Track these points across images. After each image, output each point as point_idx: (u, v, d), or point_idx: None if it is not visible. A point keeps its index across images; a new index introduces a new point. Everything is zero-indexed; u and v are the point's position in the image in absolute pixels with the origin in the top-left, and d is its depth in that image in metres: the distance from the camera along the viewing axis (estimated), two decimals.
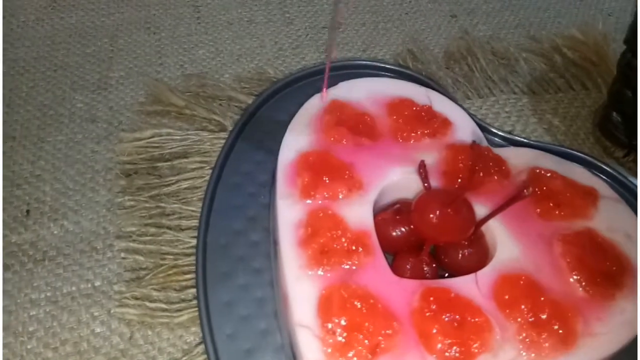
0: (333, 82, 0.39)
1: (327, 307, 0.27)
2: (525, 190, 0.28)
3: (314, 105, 0.37)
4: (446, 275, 0.32)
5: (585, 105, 0.46)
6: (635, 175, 0.40)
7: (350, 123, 0.36)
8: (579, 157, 0.38)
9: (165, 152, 0.39)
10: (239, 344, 0.29)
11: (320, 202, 0.31)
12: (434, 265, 0.31)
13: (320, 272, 0.28)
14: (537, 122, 0.44)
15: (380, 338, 0.26)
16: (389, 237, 0.32)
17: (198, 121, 0.43)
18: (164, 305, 0.31)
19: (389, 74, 0.44)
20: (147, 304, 0.31)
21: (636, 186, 0.38)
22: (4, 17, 0.51)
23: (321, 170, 0.32)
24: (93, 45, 0.50)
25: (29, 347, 0.31)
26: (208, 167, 0.38)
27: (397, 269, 0.31)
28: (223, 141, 0.39)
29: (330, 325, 0.26)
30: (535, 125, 0.44)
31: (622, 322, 0.28)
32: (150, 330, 0.32)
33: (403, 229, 0.32)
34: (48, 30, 0.51)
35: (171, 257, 0.34)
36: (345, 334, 0.26)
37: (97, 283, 0.34)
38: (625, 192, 0.38)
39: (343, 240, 0.29)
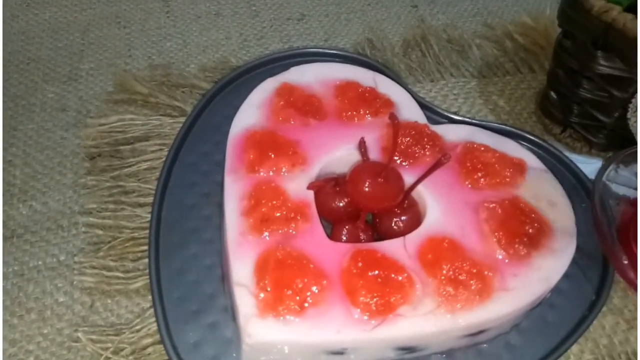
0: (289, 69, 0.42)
1: (263, 267, 0.29)
2: (443, 158, 0.31)
3: (265, 88, 0.39)
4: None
5: (531, 87, 0.48)
6: (571, 150, 0.42)
7: (299, 104, 0.38)
8: (516, 133, 0.41)
9: (128, 136, 0.41)
10: (187, 306, 0.32)
11: (264, 176, 0.34)
12: (369, 232, 0.33)
13: (260, 238, 0.31)
14: (483, 103, 0.47)
15: (308, 294, 0.28)
16: (330, 207, 0.34)
17: (162, 108, 0.45)
18: (120, 274, 0.34)
19: (342, 60, 0.46)
20: (105, 272, 0.34)
21: (569, 159, 0.40)
22: None
23: (267, 147, 0.35)
24: (65, 40, 0.52)
25: None
26: (167, 149, 0.40)
27: (335, 235, 0.33)
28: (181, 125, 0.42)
29: (264, 283, 0.28)
30: (481, 106, 0.47)
31: (537, 278, 0.31)
32: (109, 299, 0.35)
33: (342, 200, 0.34)
34: (22, 25, 0.53)
35: (128, 230, 0.36)
36: (276, 290, 0.28)
37: (62, 257, 0.36)
38: (560, 165, 0.40)
39: (283, 209, 0.32)
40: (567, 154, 0.41)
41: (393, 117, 0.31)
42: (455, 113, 0.44)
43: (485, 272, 0.30)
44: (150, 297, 0.34)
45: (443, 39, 0.54)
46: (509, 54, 0.52)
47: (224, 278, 0.33)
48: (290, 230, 0.31)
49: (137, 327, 0.32)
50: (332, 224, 0.34)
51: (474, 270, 0.30)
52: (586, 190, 0.39)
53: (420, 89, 0.48)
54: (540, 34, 0.52)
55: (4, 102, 0.46)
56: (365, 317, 0.28)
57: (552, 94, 0.43)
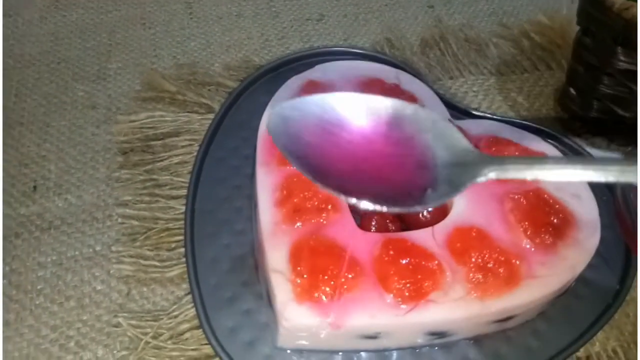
0: (313, 67, 0.43)
1: (297, 254, 0.30)
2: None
3: (292, 85, 0.41)
4: None
5: (549, 84, 0.49)
6: (590, 146, 0.43)
7: None
8: (537, 129, 0.42)
9: (158, 132, 0.43)
10: (222, 293, 0.33)
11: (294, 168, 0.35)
12: (397, 223, 0.34)
13: (293, 227, 0.32)
14: (502, 100, 0.48)
15: (343, 280, 0.29)
16: None
17: (189, 105, 0.47)
18: (156, 263, 0.35)
19: (363, 59, 0.47)
20: (141, 261, 0.35)
21: (589, 154, 0.41)
22: (10, 17, 0.55)
23: None
24: (92, 40, 0.54)
25: (37, 302, 0.35)
26: (197, 144, 0.42)
27: (364, 226, 0.34)
28: (211, 121, 0.43)
29: (299, 269, 0.29)
30: (501, 103, 0.48)
31: (563, 266, 0.31)
32: (145, 287, 0.36)
33: None
34: (51, 27, 0.55)
35: (163, 221, 0.37)
36: (312, 276, 0.29)
37: (98, 248, 0.38)
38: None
39: (314, 200, 0.33)
40: (588, 148, 0.42)
41: None
42: (476, 109, 0.45)
43: (513, 260, 0.31)
44: (184, 286, 0.36)
45: (460, 38, 0.55)
46: (526, 53, 0.53)
47: (257, 267, 0.34)
48: (322, 220, 0.32)
49: (175, 314, 0.33)
50: (361, 215, 0.35)
51: (502, 258, 0.31)
52: (607, 184, 0.40)
53: (440, 86, 0.49)
54: (557, 33, 0.53)
55: (36, 99, 0.48)
56: (398, 302, 0.29)
57: (572, 90, 0.44)
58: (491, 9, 0.60)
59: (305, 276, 0.29)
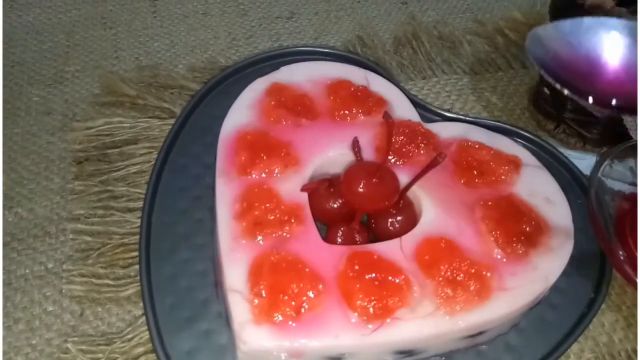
0: (279, 68, 0.41)
1: (257, 272, 0.28)
2: (438, 157, 0.30)
3: (256, 88, 0.39)
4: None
5: (524, 83, 0.48)
6: (565, 146, 0.42)
7: (290, 104, 0.37)
8: (510, 130, 0.41)
9: (116, 140, 0.40)
10: (180, 313, 0.31)
11: (256, 178, 0.33)
12: (365, 233, 0.33)
13: (254, 242, 0.30)
14: (475, 100, 0.47)
15: (304, 299, 0.27)
16: (324, 209, 0.34)
17: (150, 110, 0.44)
18: (110, 282, 0.33)
19: (332, 59, 0.46)
20: (94, 280, 0.33)
21: (564, 155, 0.40)
22: None
23: (259, 149, 0.34)
24: (50, 42, 0.51)
25: None
26: (156, 152, 0.40)
27: (330, 238, 0.32)
28: (171, 127, 0.41)
29: (258, 288, 0.28)
30: (474, 103, 0.46)
31: (536, 277, 0.30)
32: (100, 307, 0.34)
33: (336, 201, 0.34)
34: (6, 28, 0.52)
35: (118, 236, 0.35)
36: (271, 296, 0.27)
37: (50, 265, 0.36)
38: (554, 162, 0.40)
39: (276, 212, 0.31)
40: (562, 149, 0.41)
41: (387, 116, 0.31)
42: (448, 110, 0.43)
43: (484, 272, 0.30)
44: (141, 305, 0.34)
45: (434, 35, 0.53)
46: (501, 50, 0.51)
47: (217, 284, 0.32)
48: (284, 234, 0.31)
49: (129, 336, 0.31)
50: (327, 226, 0.34)
51: (472, 271, 0.29)
52: (581, 186, 0.39)
53: (412, 86, 0.47)
54: (531, 29, 0.52)
55: None
56: (363, 321, 0.27)
57: (545, 89, 0.42)
58: (465, 5, 0.58)
59: (264, 295, 0.27)
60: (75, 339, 0.32)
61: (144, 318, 0.32)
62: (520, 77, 0.49)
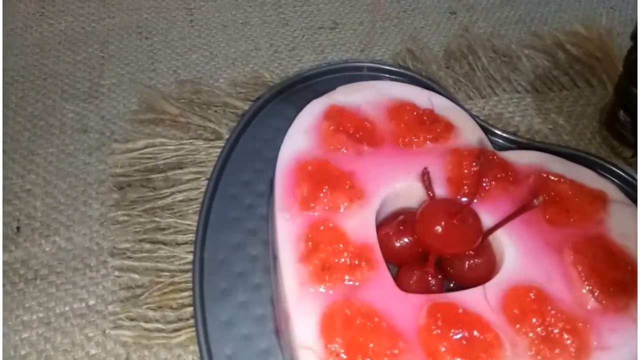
0: (332, 85, 0.38)
1: (329, 326, 0.25)
2: (535, 200, 0.27)
3: (312, 111, 0.36)
4: (451, 285, 0.31)
5: (591, 103, 0.45)
6: None
7: (350, 129, 0.35)
8: (586, 158, 0.37)
9: (159, 163, 0.38)
10: None
11: (320, 214, 0.30)
12: (439, 276, 0.30)
13: (322, 289, 0.27)
14: (541, 122, 0.43)
15: (386, 359, 0.24)
16: (393, 249, 0.31)
17: (193, 129, 0.42)
18: (160, 326, 0.30)
19: (388, 75, 0.43)
20: (143, 324, 0.30)
21: None
22: None
23: (321, 181, 0.31)
24: (83, 52, 0.48)
25: None
26: (204, 178, 0.37)
27: (401, 281, 0.29)
28: (219, 150, 0.38)
29: (333, 347, 0.25)
30: (540, 126, 0.43)
31: (637, 333, 0.27)
32: (147, 351, 0.31)
33: (407, 240, 0.31)
34: (37, 37, 0.49)
35: (167, 274, 0.32)
36: (349, 356, 0.24)
37: (91, 302, 0.33)
38: (635, 194, 0.36)
39: (345, 254, 0.28)
40: None
41: (483, 156, 0.28)
42: (514, 134, 0.40)
43: (580, 326, 0.26)
44: (191, 348, 0.31)
45: (489, 49, 0.50)
46: (562, 67, 0.48)
47: (279, 332, 0.29)
48: (355, 281, 0.28)
49: None
50: (396, 267, 0.31)
51: (568, 326, 0.26)
52: None
53: (472, 106, 0.44)
54: (595, 44, 0.49)
55: (20, 122, 0.42)
56: None
57: (623, 113, 0.39)
58: (517, 15, 0.55)
59: (341, 355, 0.24)
60: None
61: None
62: (587, 96, 0.45)
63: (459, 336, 0.25)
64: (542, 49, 0.50)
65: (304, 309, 0.26)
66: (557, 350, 0.25)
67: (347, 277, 0.27)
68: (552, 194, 0.32)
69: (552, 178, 0.33)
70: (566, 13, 0.55)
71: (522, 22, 0.54)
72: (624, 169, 0.37)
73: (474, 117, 0.38)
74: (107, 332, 0.31)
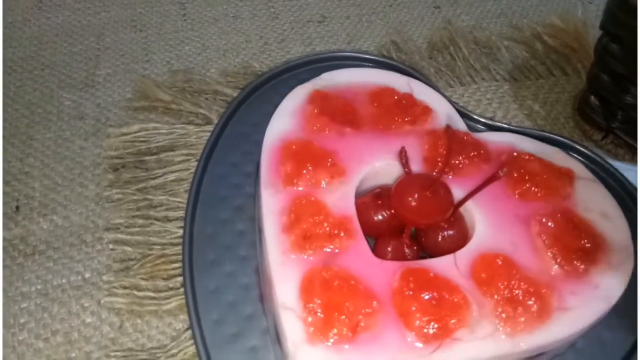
0: (317, 74, 0.40)
1: (309, 288, 0.27)
2: (500, 171, 0.29)
3: (297, 95, 0.38)
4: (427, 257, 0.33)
5: (566, 91, 0.47)
6: (614, 157, 0.40)
7: (333, 112, 0.36)
8: (557, 140, 0.39)
9: (152, 146, 0.40)
10: (226, 329, 0.30)
11: (303, 189, 0.32)
12: (415, 247, 0.32)
13: (303, 256, 0.29)
14: (517, 108, 0.45)
15: (360, 317, 0.26)
16: (371, 222, 0.32)
17: (185, 115, 0.43)
18: (152, 294, 0.32)
19: (371, 65, 0.45)
20: (135, 292, 0.32)
21: (613, 167, 0.38)
22: None
23: (304, 159, 0.33)
24: (80, 44, 0.50)
25: (20, 338, 0.32)
26: (194, 160, 0.39)
27: (379, 251, 0.31)
28: (209, 134, 0.40)
29: (312, 306, 0.27)
30: (516, 111, 0.45)
31: (595, 296, 0.29)
32: (139, 319, 0.33)
33: (384, 213, 0.32)
34: (35, 30, 0.51)
35: (159, 247, 0.34)
36: (326, 314, 0.26)
37: (87, 275, 0.35)
38: (603, 174, 0.39)
39: (325, 225, 0.30)
40: (610, 161, 0.39)
41: (449, 130, 0.29)
42: (491, 119, 0.42)
43: (543, 291, 0.28)
44: (182, 317, 0.33)
45: (470, 40, 0.52)
46: (540, 57, 0.50)
47: (263, 298, 0.31)
48: (334, 248, 0.29)
49: (174, 351, 0.31)
50: (375, 239, 0.33)
51: (531, 289, 0.28)
52: (632, 198, 0.37)
53: (452, 93, 0.46)
54: (571, 36, 0.51)
55: (19, 110, 0.44)
56: (421, 342, 0.26)
57: (593, 98, 0.41)
58: (499, 9, 0.57)
59: (318, 314, 0.26)
60: (118, 353, 0.31)
61: (187, 333, 0.31)
62: (562, 84, 0.48)
63: (428, 297, 0.27)
64: (521, 41, 0.52)
65: (285, 273, 0.28)
66: (519, 310, 0.27)
67: (326, 245, 0.29)
68: (522, 171, 0.34)
69: (523, 157, 0.35)
70: (546, 7, 0.57)
71: (503, 15, 0.57)
72: (593, 150, 0.39)
73: (452, 102, 0.40)
74: (101, 302, 0.33)
